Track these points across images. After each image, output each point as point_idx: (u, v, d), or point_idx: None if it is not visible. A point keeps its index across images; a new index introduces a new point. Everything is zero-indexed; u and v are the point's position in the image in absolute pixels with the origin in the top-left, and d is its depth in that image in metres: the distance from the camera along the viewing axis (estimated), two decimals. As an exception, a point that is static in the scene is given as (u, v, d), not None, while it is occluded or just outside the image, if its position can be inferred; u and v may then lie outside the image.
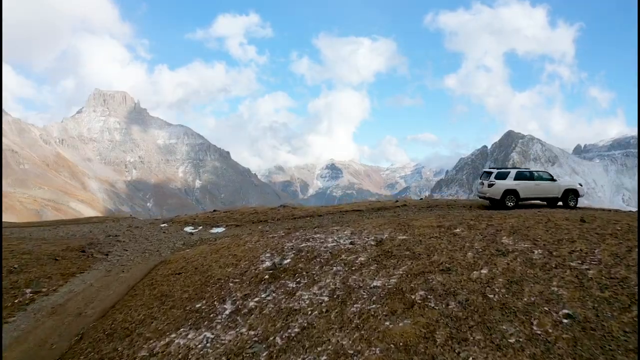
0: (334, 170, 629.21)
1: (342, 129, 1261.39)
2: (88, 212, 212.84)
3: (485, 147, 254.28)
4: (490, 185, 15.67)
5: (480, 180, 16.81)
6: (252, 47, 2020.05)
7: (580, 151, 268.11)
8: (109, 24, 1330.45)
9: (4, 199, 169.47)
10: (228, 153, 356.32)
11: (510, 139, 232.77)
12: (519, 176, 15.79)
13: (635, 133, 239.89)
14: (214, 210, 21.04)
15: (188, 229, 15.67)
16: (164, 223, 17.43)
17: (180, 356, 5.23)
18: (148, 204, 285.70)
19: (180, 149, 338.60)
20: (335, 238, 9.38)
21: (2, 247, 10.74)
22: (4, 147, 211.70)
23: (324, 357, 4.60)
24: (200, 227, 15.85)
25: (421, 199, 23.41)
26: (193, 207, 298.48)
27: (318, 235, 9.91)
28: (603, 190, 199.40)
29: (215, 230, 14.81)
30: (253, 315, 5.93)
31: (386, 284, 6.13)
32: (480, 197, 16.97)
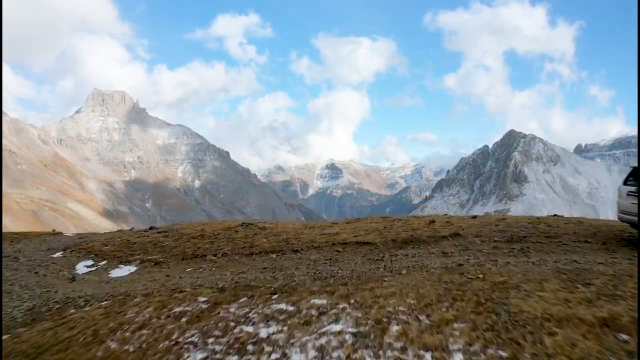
0: (334, 170, 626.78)
1: (342, 129, 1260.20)
2: (86, 212, 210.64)
3: (486, 146, 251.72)
4: None
5: (629, 191, 7.73)
6: (252, 47, 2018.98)
7: (581, 151, 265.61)
8: (109, 24, 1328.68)
9: None
10: (227, 153, 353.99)
11: (512, 139, 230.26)
12: None
13: (636, 132, 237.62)
14: (150, 228, 15.85)
15: (80, 266, 10.58)
16: (62, 251, 12.41)
17: None
18: (147, 204, 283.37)
19: (180, 149, 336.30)
20: (313, 352, 3.55)
21: None
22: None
23: None
24: (102, 263, 10.65)
25: (474, 217, 12.80)
26: (192, 207, 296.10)
27: (272, 330, 4.13)
28: (606, 190, 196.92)
29: (116, 272, 9.73)
30: None
31: None
32: (630, 223, 7.85)
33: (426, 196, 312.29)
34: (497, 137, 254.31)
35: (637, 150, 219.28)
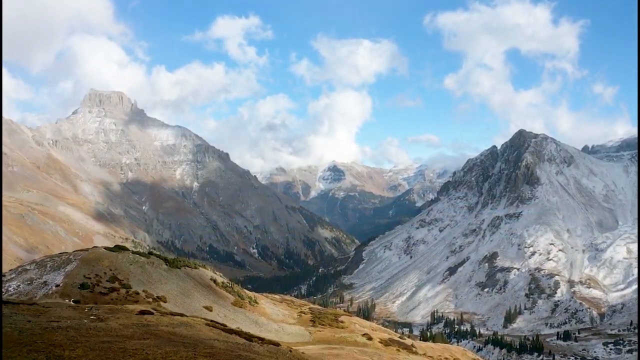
0: (335, 172, 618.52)
1: (344, 130, 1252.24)
2: (78, 216, 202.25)
3: (494, 147, 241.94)
4: None
5: None
6: (252, 48, 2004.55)
7: (588, 152, 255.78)
8: (106, 25, 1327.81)
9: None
10: (227, 154, 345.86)
11: (522, 139, 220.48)
12: None
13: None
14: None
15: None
16: None
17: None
18: (144, 207, 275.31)
19: (178, 150, 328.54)
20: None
21: None
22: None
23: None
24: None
25: None
26: (190, 210, 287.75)
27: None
28: (624, 192, 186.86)
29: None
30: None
31: None
32: None
33: (431, 199, 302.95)
34: (501, 138, 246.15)
35: None
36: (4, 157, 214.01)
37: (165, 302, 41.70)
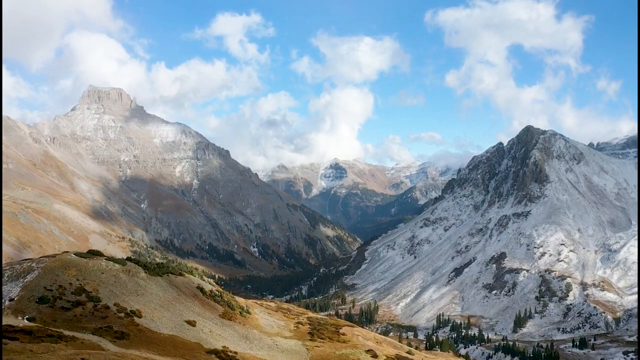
0: (337, 170, 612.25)
1: (346, 128, 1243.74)
2: (73, 214, 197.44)
3: (501, 143, 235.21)
4: None
5: None
6: (253, 45, 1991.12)
7: (593, 149, 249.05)
8: (106, 21, 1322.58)
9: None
10: (227, 152, 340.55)
11: (529, 135, 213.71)
12: None
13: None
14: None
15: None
16: None
17: None
18: (142, 205, 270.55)
19: (178, 148, 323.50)
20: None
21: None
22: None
23: None
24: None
25: None
26: (189, 208, 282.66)
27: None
28: (636, 191, 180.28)
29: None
30: None
31: None
32: None
33: (435, 197, 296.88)
34: (504, 135, 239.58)
35: None
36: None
37: (140, 317, 36.26)
